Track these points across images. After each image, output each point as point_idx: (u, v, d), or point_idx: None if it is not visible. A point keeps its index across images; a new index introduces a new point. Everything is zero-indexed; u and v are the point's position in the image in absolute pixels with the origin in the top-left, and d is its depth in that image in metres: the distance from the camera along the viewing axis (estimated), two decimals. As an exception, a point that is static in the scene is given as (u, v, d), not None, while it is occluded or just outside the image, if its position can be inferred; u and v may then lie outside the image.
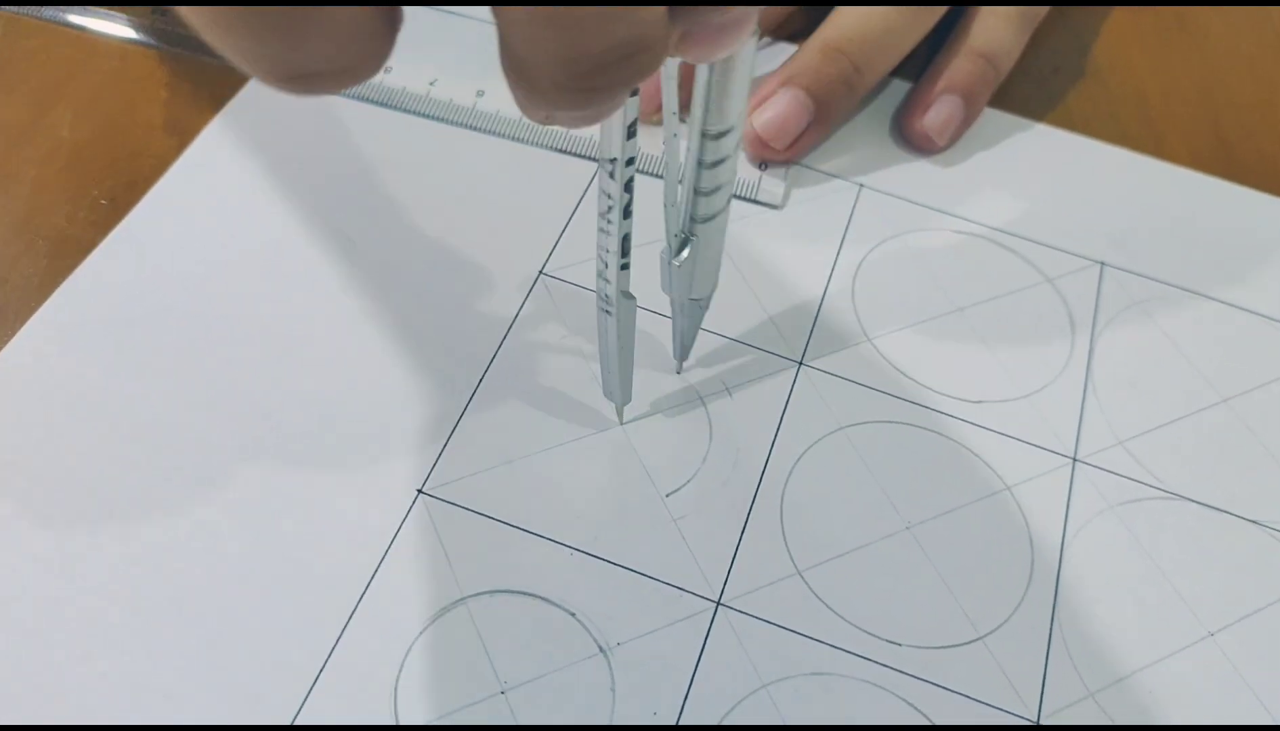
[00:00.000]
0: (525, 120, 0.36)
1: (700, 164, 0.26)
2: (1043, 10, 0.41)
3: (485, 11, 0.19)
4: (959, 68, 0.39)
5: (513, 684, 0.27)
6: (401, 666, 0.27)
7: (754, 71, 0.25)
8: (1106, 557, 0.31)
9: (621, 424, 0.31)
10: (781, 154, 0.37)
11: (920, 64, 0.40)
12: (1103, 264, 0.37)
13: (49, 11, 0.38)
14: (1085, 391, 0.34)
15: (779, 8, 0.40)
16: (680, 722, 0.27)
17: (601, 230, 0.26)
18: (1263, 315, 0.36)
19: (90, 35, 0.38)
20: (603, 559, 0.29)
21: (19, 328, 0.31)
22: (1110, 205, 0.39)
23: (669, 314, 0.32)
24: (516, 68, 0.17)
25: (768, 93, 0.37)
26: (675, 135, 0.26)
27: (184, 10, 0.16)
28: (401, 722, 0.26)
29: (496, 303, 0.33)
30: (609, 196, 0.25)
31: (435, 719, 0.26)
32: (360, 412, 0.31)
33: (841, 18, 0.38)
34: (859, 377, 0.33)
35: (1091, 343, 0.35)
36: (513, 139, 0.37)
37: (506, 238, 0.35)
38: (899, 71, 0.40)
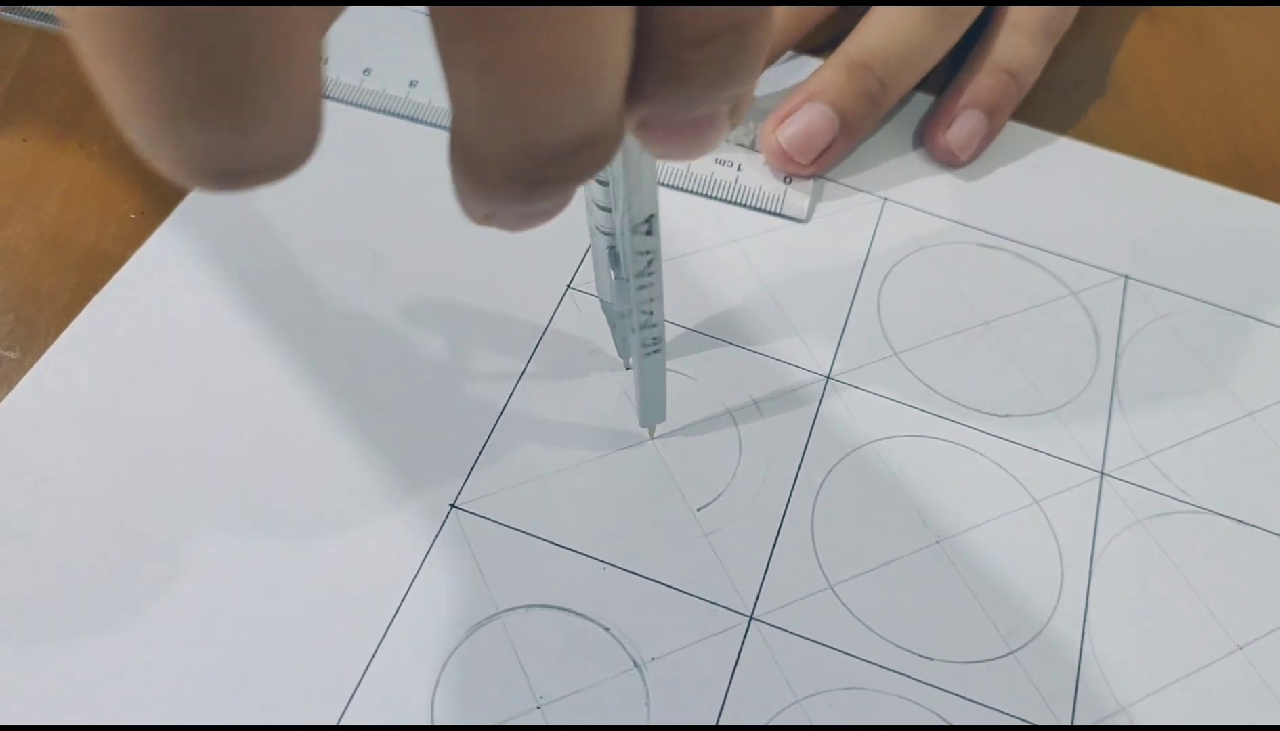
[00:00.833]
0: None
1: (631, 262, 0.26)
2: (1065, 25, 0.42)
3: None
4: (982, 83, 0.39)
5: (548, 699, 0.27)
6: (438, 681, 0.27)
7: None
8: (1135, 571, 0.31)
9: (652, 438, 0.31)
10: (806, 168, 0.37)
11: (943, 78, 0.40)
12: (1127, 277, 0.37)
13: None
14: (1111, 405, 0.34)
15: (807, 16, 0.40)
16: (715, 737, 0.27)
17: (643, 287, 0.26)
18: (1286, 328, 0.37)
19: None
20: (636, 573, 0.29)
21: (50, 343, 0.31)
22: (1133, 218, 0.39)
23: (683, 324, 0.32)
24: (467, 158, 0.16)
25: (793, 107, 0.37)
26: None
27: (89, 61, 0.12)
28: (439, 737, 0.26)
29: (525, 316, 0.34)
30: (648, 252, 0.25)
31: (472, 734, 0.26)
32: (392, 428, 0.31)
33: (866, 33, 0.38)
34: (886, 391, 0.33)
35: (1117, 356, 0.35)
36: (539, 153, 0.38)
37: (533, 252, 0.35)
38: (922, 86, 0.40)
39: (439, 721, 0.26)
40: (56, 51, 0.38)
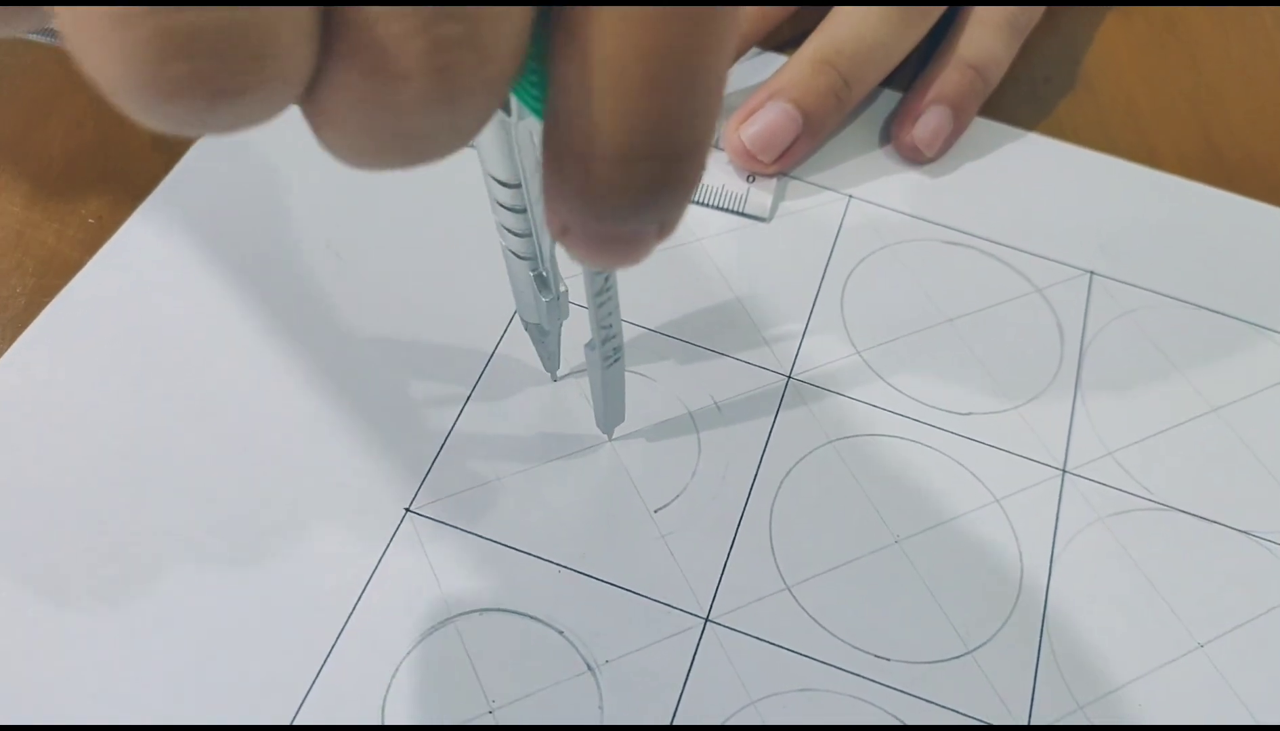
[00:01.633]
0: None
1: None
2: (1032, 20, 0.41)
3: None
4: (948, 79, 0.39)
5: (501, 702, 0.27)
6: (389, 685, 0.27)
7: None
8: (1096, 569, 0.31)
9: (610, 440, 0.31)
10: (769, 167, 0.37)
11: (909, 75, 0.40)
12: (1092, 273, 0.37)
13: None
14: (1075, 402, 0.34)
15: (771, 13, 0.40)
16: (668, 740, 0.27)
17: (602, 304, 0.26)
18: (1253, 324, 0.36)
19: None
20: (590, 576, 0.29)
21: (7, 346, 0.31)
22: (1100, 214, 0.39)
23: (643, 324, 0.32)
24: (575, 145, 0.15)
25: (756, 105, 0.37)
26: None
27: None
28: (389, 742, 0.26)
29: (485, 317, 0.33)
30: (604, 273, 0.25)
31: (423, 738, 0.26)
32: (348, 430, 0.31)
33: (830, 29, 0.38)
34: (848, 390, 0.33)
35: (1081, 352, 0.35)
36: (501, 153, 0.37)
37: (496, 252, 0.35)
38: (888, 82, 0.40)
39: (389, 724, 0.26)
40: (15, 55, 0.38)
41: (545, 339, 0.30)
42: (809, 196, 0.38)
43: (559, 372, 0.32)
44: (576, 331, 0.31)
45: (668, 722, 0.27)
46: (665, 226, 0.17)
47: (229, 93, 0.13)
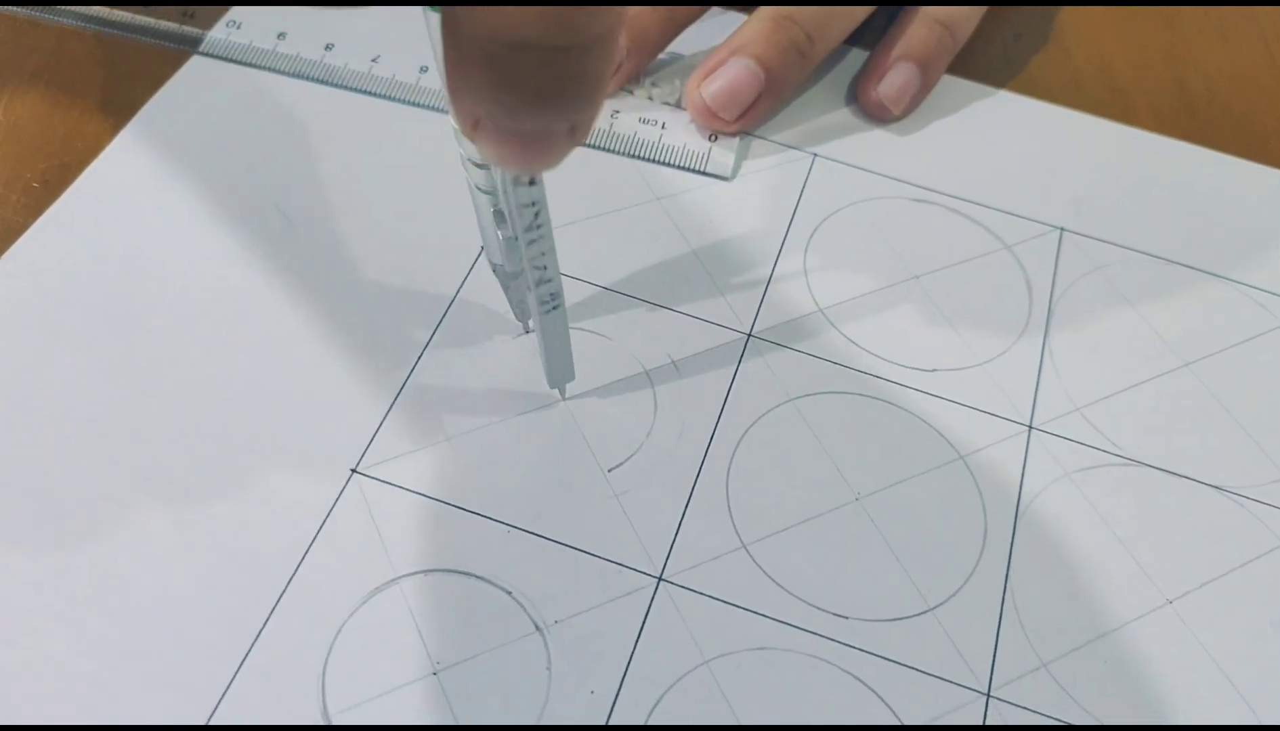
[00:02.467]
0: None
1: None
2: (1002, -25, 0.41)
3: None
4: (915, 35, 0.38)
5: (446, 664, 0.26)
6: (331, 648, 0.26)
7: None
8: (1062, 526, 0.30)
9: (563, 399, 0.31)
10: (732, 125, 0.36)
11: (877, 31, 0.39)
12: (1063, 229, 0.36)
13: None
14: (1042, 358, 0.33)
15: (676, 19, 0.39)
16: (618, 699, 0.26)
17: (533, 241, 0.25)
18: (1227, 278, 0.36)
19: (26, 17, 0.38)
20: (541, 536, 0.28)
21: (-51, 313, 0.31)
22: (1071, 170, 0.38)
23: (600, 283, 0.31)
24: (451, 32, 0.16)
25: (717, 62, 0.36)
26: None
27: None
28: (329, 703, 0.25)
29: (437, 279, 0.33)
30: (533, 203, 0.24)
31: (364, 700, 0.25)
32: (295, 392, 0.30)
33: (792, -16, 0.37)
34: (809, 349, 0.32)
35: (1050, 309, 0.34)
36: (457, 114, 0.37)
37: (448, 215, 0.34)
38: (856, 39, 0.39)
39: (330, 686, 0.26)
40: (-34, 22, 0.38)
41: (511, 283, 0.29)
42: (773, 155, 0.37)
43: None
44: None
45: (618, 682, 0.26)
46: (577, 128, 0.17)
47: None
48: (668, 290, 0.33)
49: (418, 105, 0.37)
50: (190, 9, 0.38)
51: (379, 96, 0.37)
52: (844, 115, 0.39)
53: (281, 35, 0.37)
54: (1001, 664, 0.27)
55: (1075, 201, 0.37)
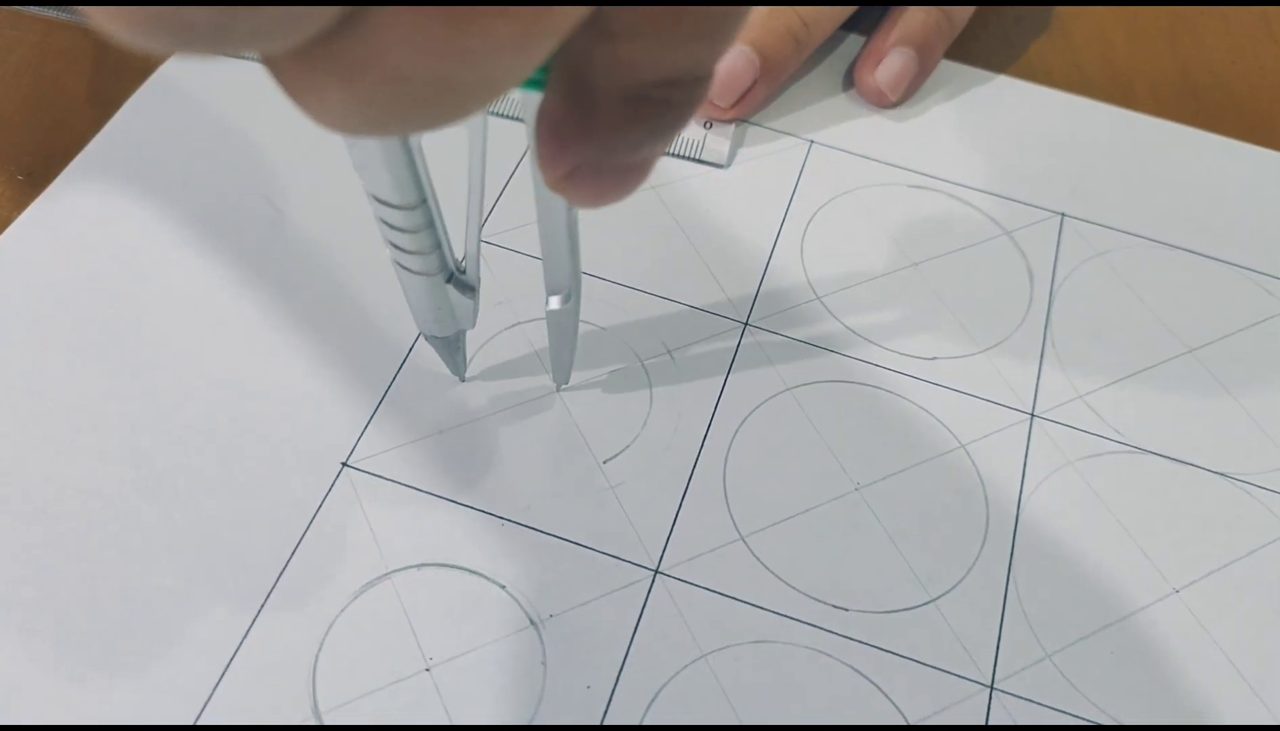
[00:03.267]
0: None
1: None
2: (1000, -42, 0.40)
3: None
4: (913, 20, 0.38)
5: (439, 659, 0.26)
6: (321, 644, 0.26)
7: None
8: (1065, 514, 0.29)
9: (558, 390, 0.30)
10: (727, 112, 0.36)
11: (875, 17, 0.39)
12: (1063, 215, 0.36)
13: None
14: (1044, 345, 0.33)
15: None
16: (615, 694, 0.25)
17: (574, 247, 0.25)
18: (1231, 263, 0.35)
19: (10, 10, 0.37)
20: (535, 529, 0.28)
21: (-67, 308, 0.30)
22: (1072, 155, 0.37)
23: (595, 273, 0.30)
24: (575, 93, 0.16)
25: None
26: None
27: None
28: (320, 701, 0.25)
29: (429, 270, 0.32)
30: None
31: (356, 697, 0.25)
32: (285, 384, 0.30)
33: (787, -31, 0.36)
34: (807, 337, 0.32)
35: (1051, 295, 0.34)
36: (449, 103, 0.36)
37: (441, 202, 0.34)
38: (852, 25, 0.39)
39: (320, 684, 0.25)
40: (-50, 14, 0.37)
41: (457, 345, 0.29)
42: (769, 142, 0.37)
43: (468, 373, 0.30)
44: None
45: (615, 677, 0.26)
46: (664, 147, 0.17)
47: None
48: (663, 279, 0.33)
49: (408, 94, 0.36)
50: None
51: (369, 86, 0.36)
52: (841, 101, 0.38)
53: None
54: (1005, 655, 0.27)
55: (1076, 187, 0.36)
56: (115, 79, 0.35)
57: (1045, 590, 0.28)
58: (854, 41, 0.40)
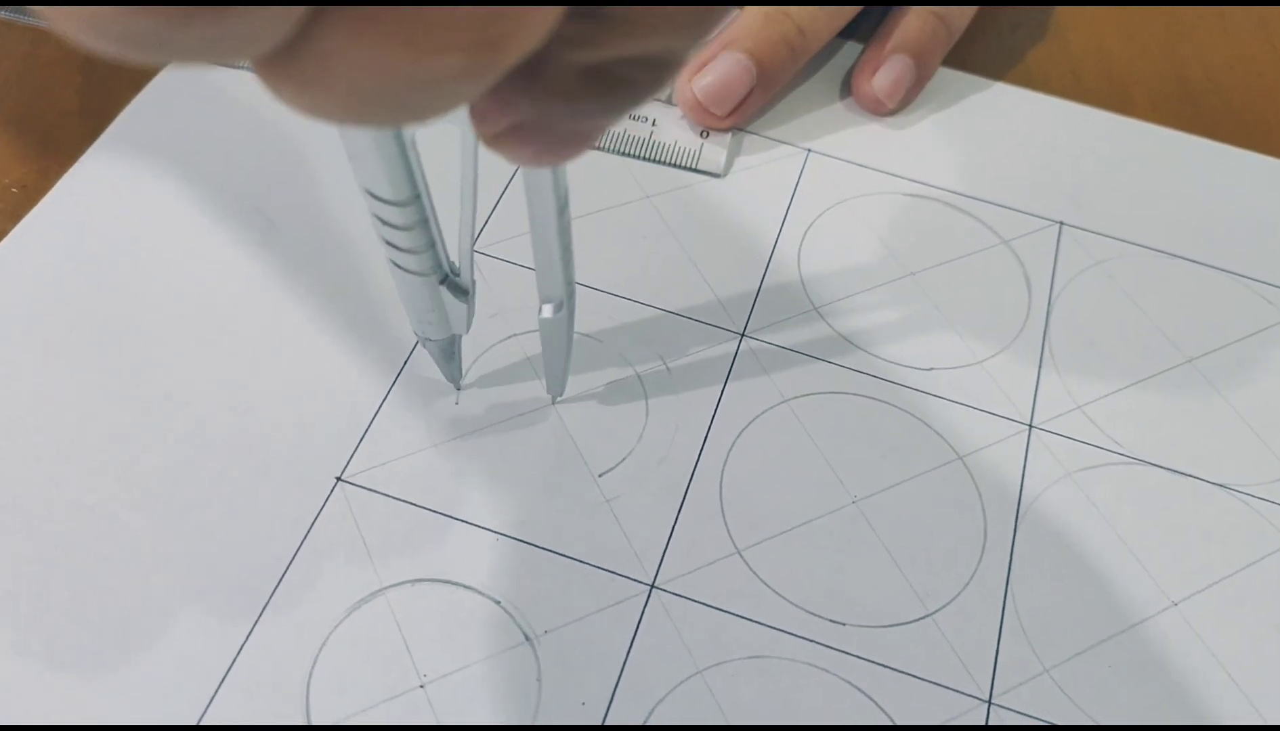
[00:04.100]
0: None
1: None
2: (997, -35, 0.40)
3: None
4: (909, 27, 0.38)
5: (433, 676, 0.26)
6: (315, 661, 0.26)
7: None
8: (1064, 527, 0.29)
9: (553, 403, 0.30)
10: (723, 120, 0.36)
11: (872, 25, 0.39)
12: (1061, 223, 0.36)
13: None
14: (1042, 355, 0.32)
15: None
16: (610, 710, 0.25)
17: (566, 245, 0.25)
18: (1231, 272, 0.35)
19: (2, 21, 0.37)
20: (530, 543, 0.28)
21: (-75, 322, 0.30)
22: (1070, 163, 0.37)
23: (590, 284, 0.30)
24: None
25: (708, 56, 0.36)
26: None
27: None
28: (313, 719, 0.25)
29: (424, 281, 0.32)
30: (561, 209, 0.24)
31: (350, 715, 0.25)
32: (278, 398, 0.29)
33: (783, -24, 0.36)
34: (804, 348, 0.32)
35: (1049, 305, 0.34)
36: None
37: (435, 205, 0.33)
38: (850, 33, 0.39)
39: (314, 701, 0.25)
40: (-57, 25, 0.37)
41: (451, 351, 0.28)
42: (765, 151, 0.37)
43: (464, 381, 0.30)
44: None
45: (610, 693, 0.26)
46: (617, 119, 0.16)
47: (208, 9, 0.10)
48: (658, 289, 0.33)
49: (403, 104, 0.36)
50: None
51: (363, 96, 0.36)
52: (838, 110, 0.38)
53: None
54: (1003, 669, 0.27)
55: (1074, 195, 0.36)
56: (107, 91, 0.35)
57: (1044, 603, 0.28)
58: (851, 49, 0.40)
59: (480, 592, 0.27)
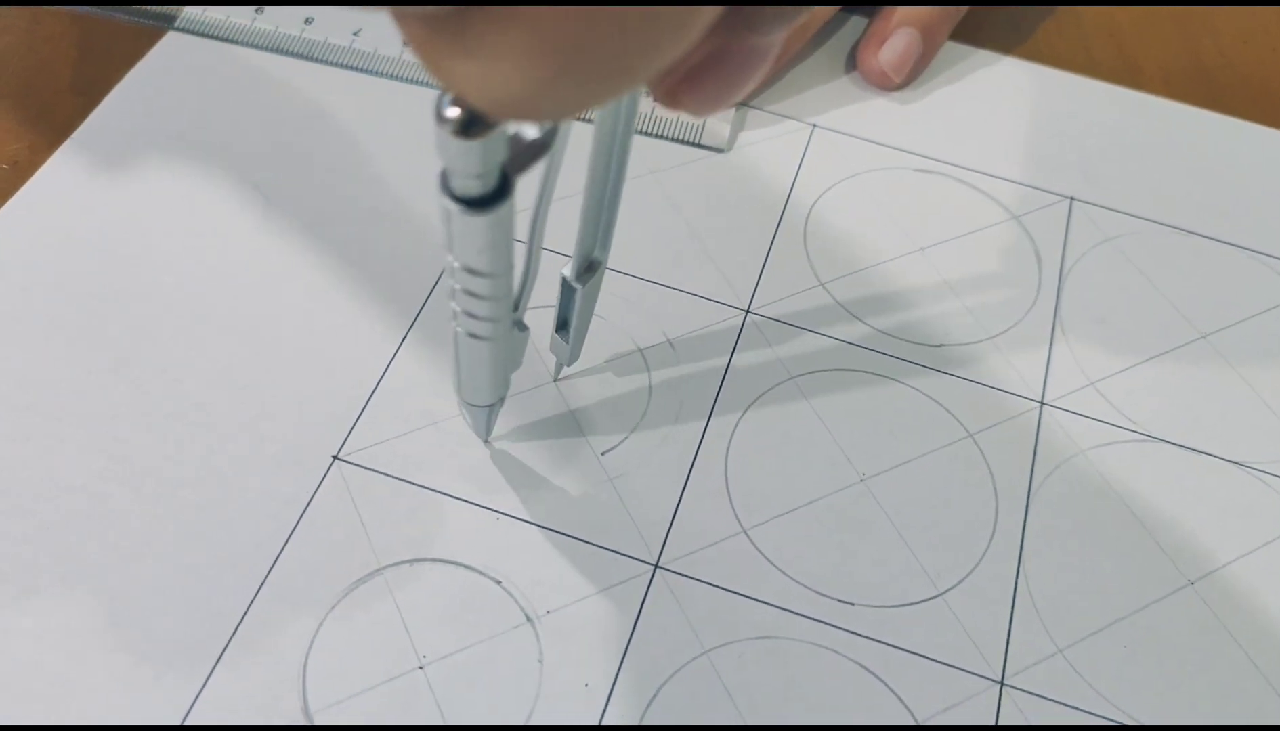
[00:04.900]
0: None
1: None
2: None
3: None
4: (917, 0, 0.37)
5: (432, 658, 0.25)
6: (312, 642, 0.25)
7: None
8: (1077, 505, 0.28)
9: (555, 380, 0.29)
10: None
11: (879, -2, 0.38)
12: (1072, 199, 0.35)
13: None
14: (1054, 332, 0.32)
15: None
16: (614, 691, 0.25)
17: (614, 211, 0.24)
18: (1244, 248, 0.34)
19: (-2, -4, 0.36)
20: (531, 523, 0.27)
21: (-85, 300, 0.29)
22: (1081, 138, 0.37)
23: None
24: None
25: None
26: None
27: None
28: (310, 700, 0.24)
29: (422, 258, 0.31)
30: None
31: (347, 696, 0.24)
32: (274, 375, 0.29)
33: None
34: (811, 324, 0.31)
35: (1060, 281, 0.33)
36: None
37: (432, 193, 0.33)
38: (855, 6, 0.38)
39: (311, 682, 0.24)
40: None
41: (495, 410, 0.27)
42: (770, 126, 0.36)
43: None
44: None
45: (614, 674, 0.25)
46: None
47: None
48: (662, 266, 0.32)
49: (400, 79, 0.35)
50: (165, -16, 0.36)
51: (360, 71, 0.35)
52: (844, 84, 0.37)
53: (259, 10, 0.36)
54: (1015, 650, 0.26)
55: (1085, 170, 0.36)
56: (101, 67, 0.35)
57: (1056, 583, 0.27)
58: (857, 22, 0.39)
59: (480, 572, 0.26)
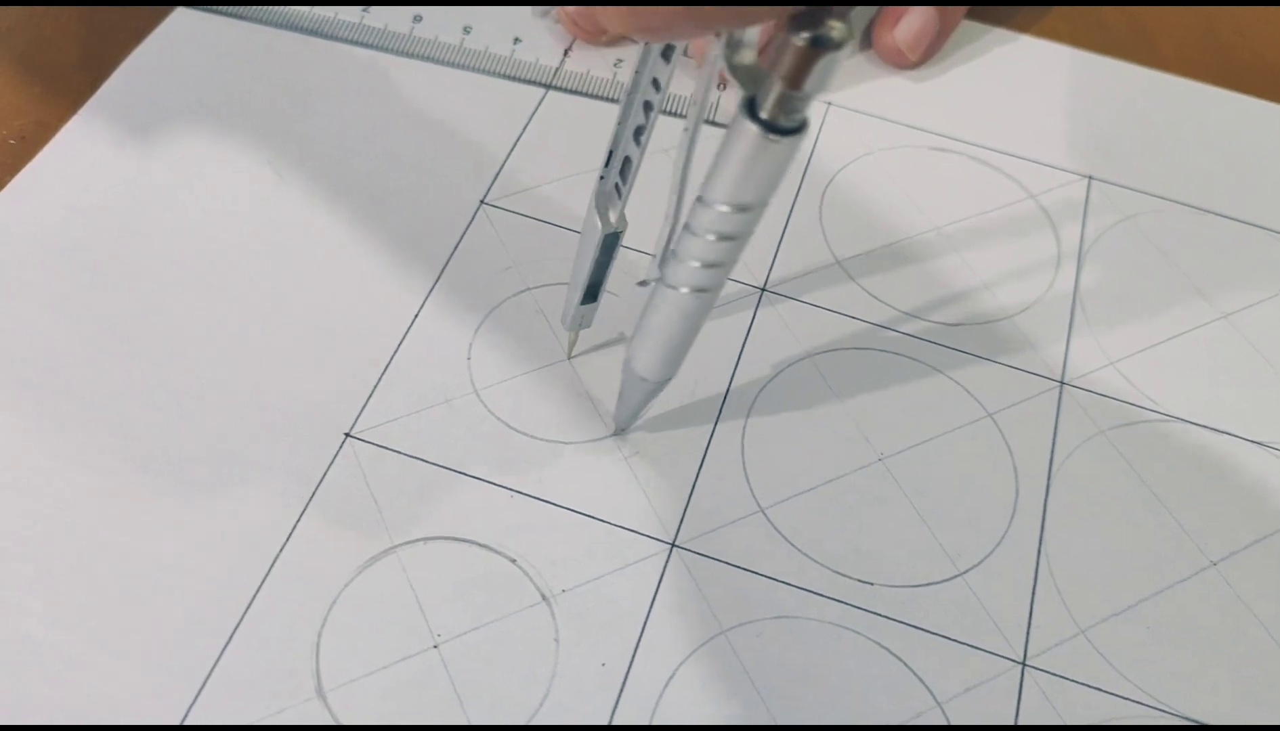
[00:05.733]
0: (465, 45, 0.34)
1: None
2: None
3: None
4: (933, -24, 0.36)
5: (446, 636, 0.25)
6: (325, 621, 0.25)
7: None
8: (1098, 485, 0.28)
9: (569, 358, 0.29)
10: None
11: (893, -25, 0.38)
12: (1090, 178, 0.34)
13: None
14: (1073, 311, 0.31)
15: None
16: (631, 670, 0.24)
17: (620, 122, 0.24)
18: (1263, 227, 0.34)
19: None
20: (546, 501, 0.27)
21: (-79, 276, 0.29)
22: (1099, 117, 0.36)
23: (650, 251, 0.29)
24: None
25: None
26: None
27: None
28: (323, 679, 0.24)
29: (435, 234, 0.31)
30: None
31: (360, 675, 0.24)
32: (286, 353, 0.28)
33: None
34: (827, 303, 0.31)
35: (1079, 259, 0.32)
36: (452, 65, 0.35)
37: (446, 167, 0.32)
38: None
39: (324, 662, 0.24)
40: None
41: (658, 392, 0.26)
42: (785, 104, 0.35)
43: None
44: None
45: (631, 654, 0.25)
46: None
47: None
48: (677, 244, 0.31)
49: (411, 56, 0.35)
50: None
51: (370, 47, 0.35)
52: (858, 62, 0.37)
53: (269, -15, 0.36)
54: (1037, 631, 0.26)
55: (1103, 148, 0.35)
56: (109, 43, 0.34)
57: (1078, 563, 0.27)
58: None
59: (495, 551, 0.26)
